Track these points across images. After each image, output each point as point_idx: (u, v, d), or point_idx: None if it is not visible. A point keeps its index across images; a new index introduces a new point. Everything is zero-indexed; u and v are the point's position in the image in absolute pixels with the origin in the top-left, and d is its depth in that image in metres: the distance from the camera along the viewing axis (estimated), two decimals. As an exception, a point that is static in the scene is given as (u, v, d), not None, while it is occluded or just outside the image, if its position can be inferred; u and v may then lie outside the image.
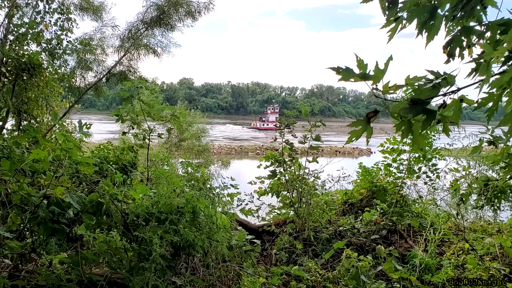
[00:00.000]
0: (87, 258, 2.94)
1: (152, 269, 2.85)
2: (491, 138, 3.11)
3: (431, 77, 1.73)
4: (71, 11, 8.19)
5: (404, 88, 1.79)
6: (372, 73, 1.76)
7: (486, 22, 1.81)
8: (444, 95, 1.72)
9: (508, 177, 3.46)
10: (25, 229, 3.01)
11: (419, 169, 5.91)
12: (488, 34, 1.82)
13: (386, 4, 1.97)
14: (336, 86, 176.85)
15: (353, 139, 1.86)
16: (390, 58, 1.76)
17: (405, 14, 1.89)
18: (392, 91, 1.75)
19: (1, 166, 2.59)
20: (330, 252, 4.52)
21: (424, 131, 1.75)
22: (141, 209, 3.06)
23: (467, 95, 1.74)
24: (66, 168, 3.02)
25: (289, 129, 5.82)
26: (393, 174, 6.08)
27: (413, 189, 6.21)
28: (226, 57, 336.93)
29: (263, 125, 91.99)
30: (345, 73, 1.78)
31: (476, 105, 1.78)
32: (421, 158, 5.82)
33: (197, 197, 3.26)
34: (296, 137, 5.75)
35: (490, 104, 1.82)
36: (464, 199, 4.04)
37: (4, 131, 5.89)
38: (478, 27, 1.83)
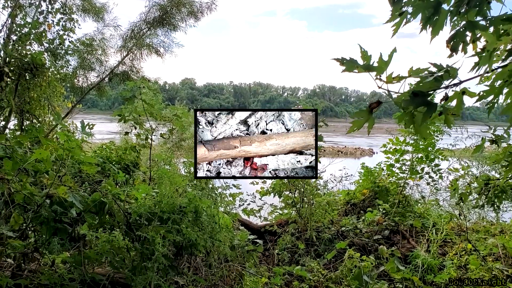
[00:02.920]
0: (89, 258, 2.94)
1: (154, 269, 2.85)
2: (493, 137, 3.10)
3: (434, 69, 1.73)
4: (73, 11, 8.22)
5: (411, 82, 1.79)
6: (376, 64, 1.76)
7: (490, 17, 1.80)
8: (446, 87, 1.72)
9: (509, 176, 3.44)
10: (28, 229, 3.01)
11: (422, 169, 5.89)
12: (491, 29, 1.81)
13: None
14: (338, 87, 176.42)
15: (355, 128, 1.88)
16: (394, 50, 1.76)
17: (410, 9, 1.89)
18: (395, 82, 1.75)
19: (4, 165, 2.60)
20: (332, 252, 4.52)
21: (426, 122, 1.75)
22: (143, 208, 3.06)
23: (469, 88, 1.74)
24: (69, 168, 3.02)
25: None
26: (395, 175, 6.07)
27: (416, 190, 6.20)
28: (228, 57, 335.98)
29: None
30: (349, 64, 1.77)
31: (477, 97, 1.79)
32: (424, 159, 5.80)
33: (199, 197, 3.27)
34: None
35: (491, 97, 1.83)
36: (463, 198, 4.01)
37: (7, 130, 5.92)
38: (482, 22, 1.83)
